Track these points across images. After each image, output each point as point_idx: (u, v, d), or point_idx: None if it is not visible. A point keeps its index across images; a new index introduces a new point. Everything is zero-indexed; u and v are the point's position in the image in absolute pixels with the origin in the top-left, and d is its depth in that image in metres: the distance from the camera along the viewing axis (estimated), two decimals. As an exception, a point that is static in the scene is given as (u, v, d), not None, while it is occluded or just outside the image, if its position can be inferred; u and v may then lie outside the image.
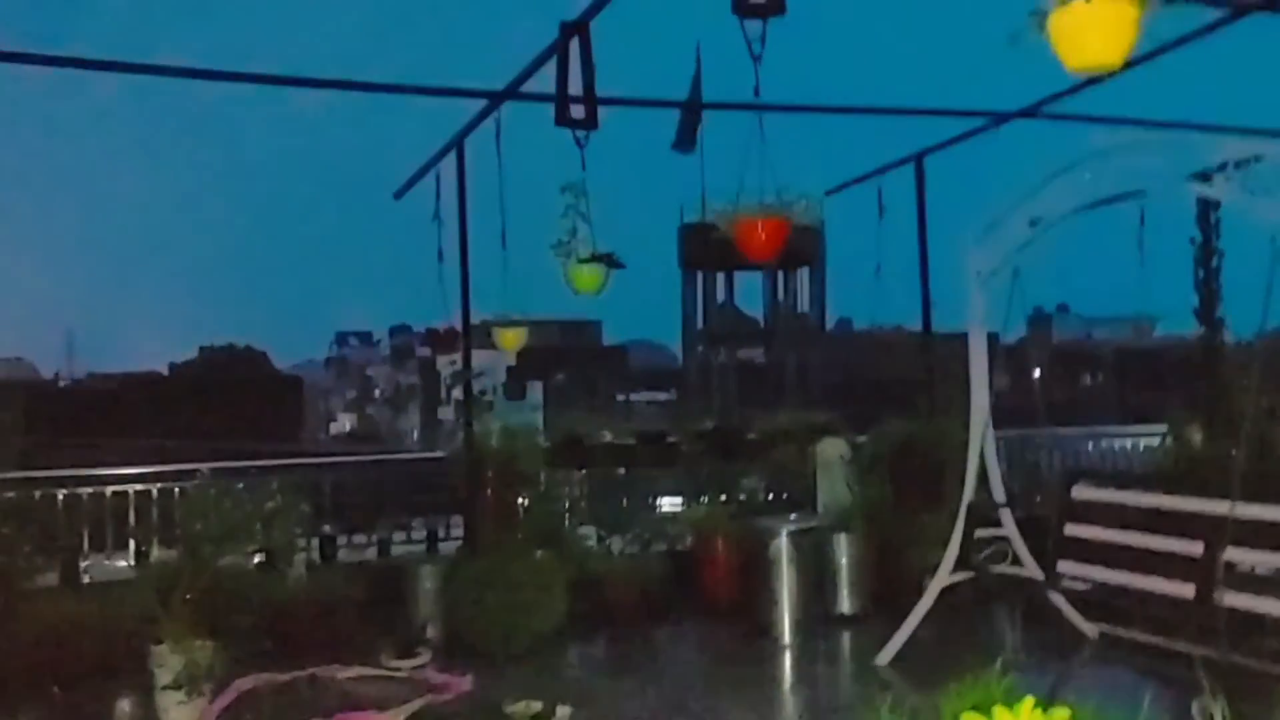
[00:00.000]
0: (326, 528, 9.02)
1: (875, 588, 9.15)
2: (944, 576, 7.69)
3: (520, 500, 9.08)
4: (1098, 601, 7.59)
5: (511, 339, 9.69)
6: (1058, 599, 7.82)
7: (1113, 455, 11.98)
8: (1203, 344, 10.04)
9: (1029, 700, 2.12)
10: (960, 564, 7.73)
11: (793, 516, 9.66)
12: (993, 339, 8.28)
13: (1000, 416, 8.05)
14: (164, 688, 6.53)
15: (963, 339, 8.05)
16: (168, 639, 6.71)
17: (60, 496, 8.29)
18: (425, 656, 7.23)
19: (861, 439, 10.33)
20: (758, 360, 38.95)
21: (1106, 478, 8.86)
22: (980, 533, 7.77)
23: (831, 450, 10.17)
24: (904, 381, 12.39)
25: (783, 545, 8.71)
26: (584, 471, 10.67)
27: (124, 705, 6.44)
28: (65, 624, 7.11)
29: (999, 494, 7.86)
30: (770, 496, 10.75)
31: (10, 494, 7.60)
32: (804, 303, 37.01)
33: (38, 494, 8.08)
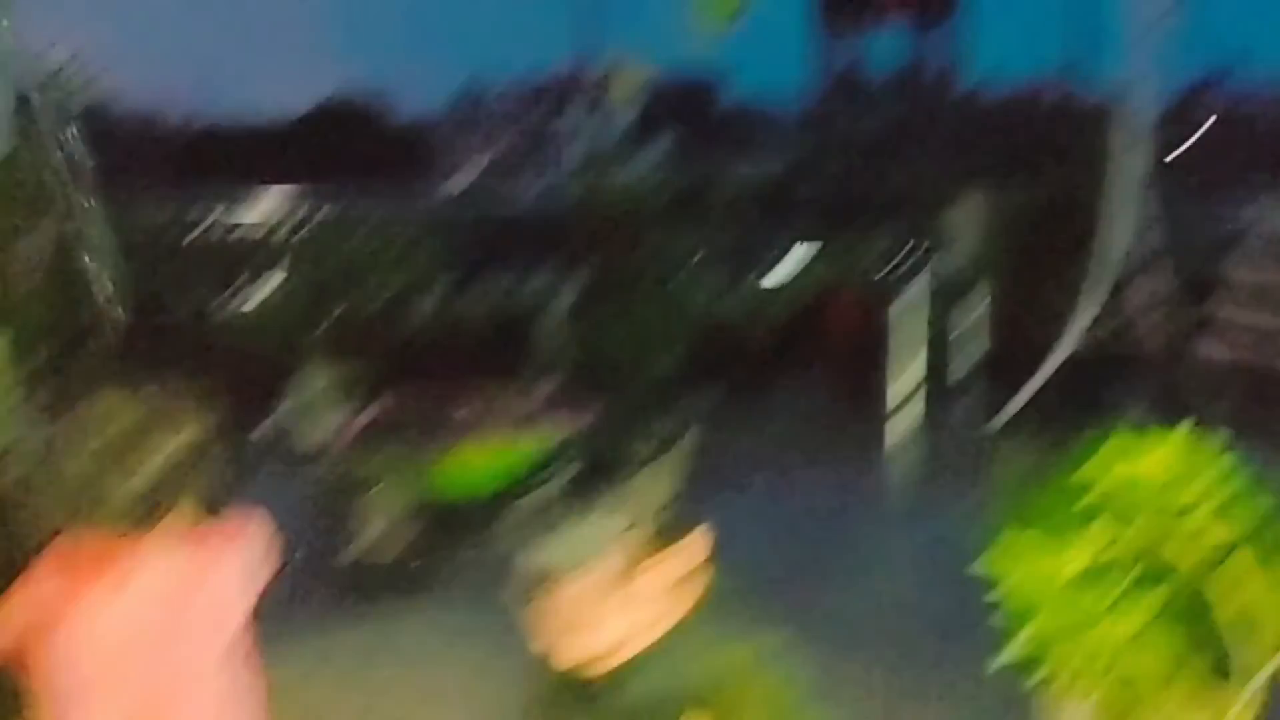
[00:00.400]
0: (452, 268, 9.15)
1: (998, 351, 8.99)
2: (1069, 344, 7.50)
3: (642, 246, 9.05)
4: (1234, 379, 7.35)
5: (628, 88, 9.45)
6: (1191, 371, 7.59)
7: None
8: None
9: (1168, 438, 2.02)
10: (1088, 334, 7.51)
11: (917, 276, 9.49)
12: (1153, 96, 7.74)
13: (1153, 179, 7.60)
14: (308, 405, 6.91)
15: (1117, 95, 7.53)
16: (310, 362, 7.05)
17: (202, 232, 8.54)
18: (548, 390, 7.41)
19: (998, 199, 9.93)
20: (888, 120, 37.50)
21: (1265, 252, 8.35)
22: (1112, 302, 7.51)
23: (963, 210, 9.83)
24: (1048, 142, 11.78)
25: (905, 304, 8.58)
26: (708, 222, 10.55)
27: (273, 420, 6.81)
28: (216, 348, 7.48)
29: (1137, 260, 7.52)
30: (896, 257, 10.52)
31: (156, 224, 7.85)
32: (940, 60, 35.20)
33: (181, 229, 8.34)
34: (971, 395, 8.78)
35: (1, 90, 4.79)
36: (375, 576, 5.06)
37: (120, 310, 5.06)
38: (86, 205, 5.08)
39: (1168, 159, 9.43)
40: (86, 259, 5.15)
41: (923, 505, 6.65)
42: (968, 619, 4.41)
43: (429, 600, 4.88)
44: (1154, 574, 2.32)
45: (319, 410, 6.63)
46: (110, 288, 5.15)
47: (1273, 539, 2.09)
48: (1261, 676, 2.42)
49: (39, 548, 1.79)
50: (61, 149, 5.12)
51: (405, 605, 4.81)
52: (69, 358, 4.98)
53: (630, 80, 9.43)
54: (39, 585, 1.71)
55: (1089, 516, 2.10)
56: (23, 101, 5.03)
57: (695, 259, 9.72)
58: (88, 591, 1.67)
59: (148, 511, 1.67)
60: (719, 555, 5.11)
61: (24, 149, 5.15)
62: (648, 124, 11.09)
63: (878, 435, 8.06)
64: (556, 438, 5.82)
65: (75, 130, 5.02)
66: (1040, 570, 1.98)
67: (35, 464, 3.99)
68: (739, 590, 4.84)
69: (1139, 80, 7.25)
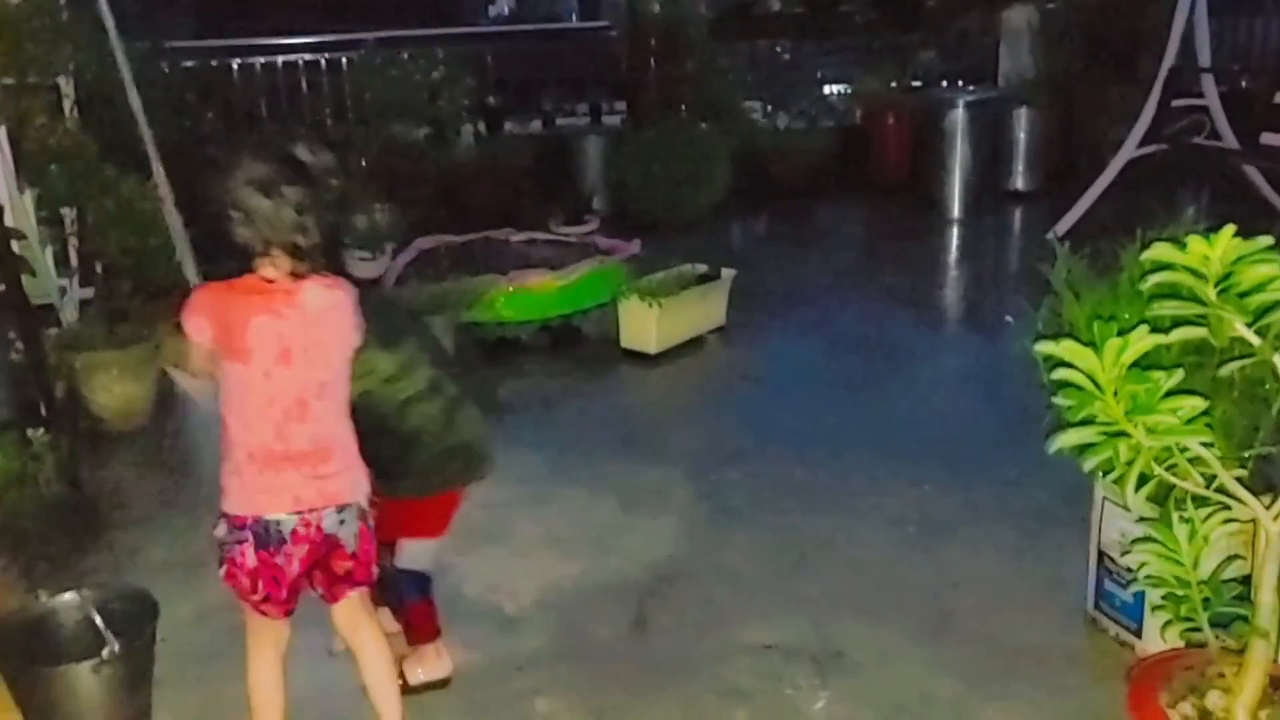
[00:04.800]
0: (491, 100, 9.00)
1: (1056, 164, 8.80)
2: (1132, 147, 7.29)
3: (684, 72, 8.82)
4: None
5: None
6: (1254, 173, 7.36)
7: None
8: None
9: (1229, 228, 1.95)
10: (1151, 135, 7.28)
11: (971, 88, 9.22)
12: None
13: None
14: (347, 246, 6.91)
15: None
16: (348, 202, 7.00)
17: (235, 66, 8.39)
18: (593, 224, 7.37)
19: (1052, 4, 9.52)
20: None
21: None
22: (1177, 102, 7.26)
23: (1019, 17, 9.44)
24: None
25: (958, 117, 8.35)
26: (750, 44, 10.23)
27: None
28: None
29: (1204, 57, 7.22)
30: (948, 70, 10.18)
31: (189, 63, 7.74)
32: None
33: (214, 63, 8.19)
34: (1027, 209, 8.63)
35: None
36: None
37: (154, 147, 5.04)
38: (122, 45, 5.03)
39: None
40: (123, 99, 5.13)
41: (975, 314, 6.62)
42: (1014, 420, 4.44)
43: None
44: (1211, 362, 2.30)
45: (368, 244, 6.63)
46: (148, 127, 5.14)
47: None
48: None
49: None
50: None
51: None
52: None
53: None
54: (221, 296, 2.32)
55: (1146, 307, 2.06)
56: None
57: (743, 78, 9.47)
58: (261, 304, 2.28)
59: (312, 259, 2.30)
60: (769, 370, 5.13)
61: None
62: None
63: (931, 248, 7.96)
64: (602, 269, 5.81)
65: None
66: (1096, 360, 1.95)
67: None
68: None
69: None
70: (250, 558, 2.39)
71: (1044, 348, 2.03)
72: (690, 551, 3.74)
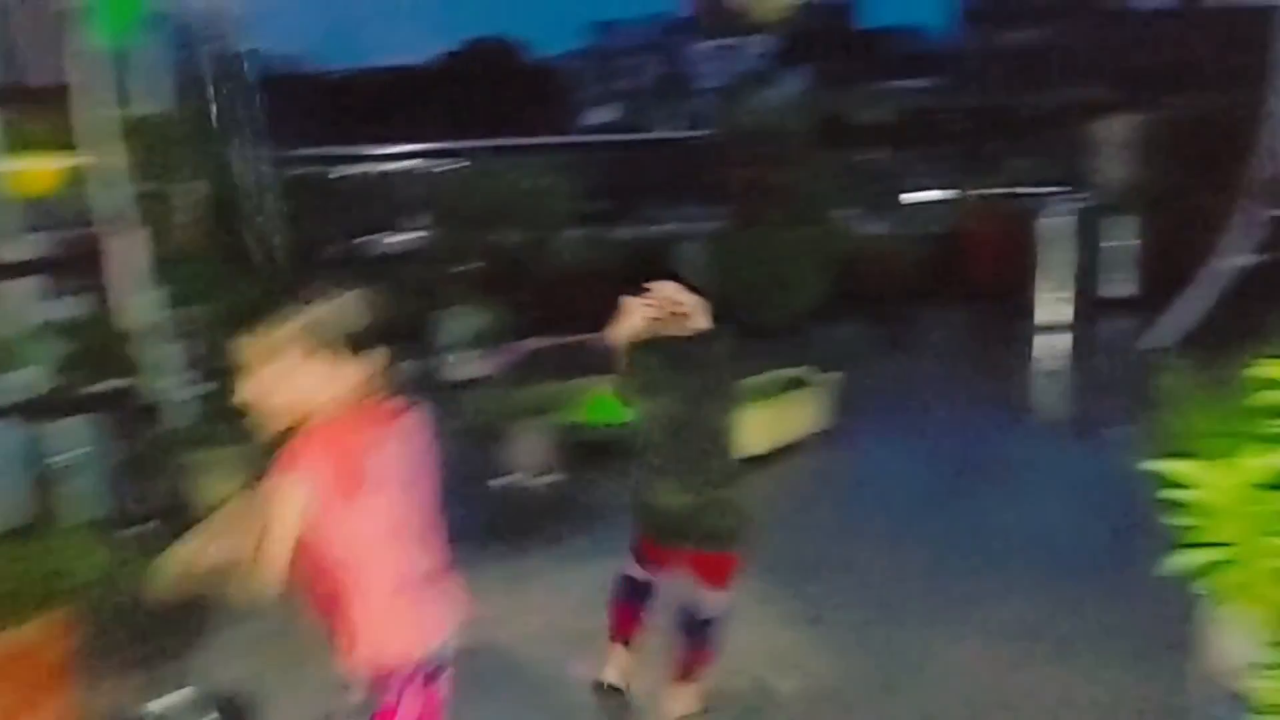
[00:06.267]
0: (592, 206, 9.20)
1: (1151, 272, 8.70)
2: (1229, 258, 7.19)
3: (781, 179, 8.96)
4: None
5: (771, 10, 9.28)
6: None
7: None
8: None
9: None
10: (1248, 246, 7.19)
11: (1065, 197, 9.21)
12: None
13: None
14: (448, 348, 7.09)
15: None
16: (450, 305, 7.20)
17: (344, 175, 8.77)
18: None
19: (1148, 117, 9.51)
20: (1034, 39, 36.00)
21: None
22: (1276, 212, 7.17)
23: (1113, 129, 9.45)
24: (1205, 55, 11.17)
25: (1052, 226, 8.34)
26: (845, 152, 10.37)
27: (412, 365, 6.95)
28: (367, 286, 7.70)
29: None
30: (1043, 179, 10.20)
31: (301, 171, 8.08)
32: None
33: (325, 172, 8.56)
34: (1124, 312, 8.52)
35: (163, 45, 5.01)
36: (525, 505, 5.17)
37: (276, 251, 5.27)
38: (246, 153, 5.31)
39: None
40: (246, 203, 5.38)
41: (1073, 423, 6.53)
42: (1117, 535, 4.32)
43: (574, 528, 4.96)
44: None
45: (467, 346, 6.79)
46: (268, 230, 5.39)
47: None
48: None
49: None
50: (220, 100, 5.34)
51: (552, 533, 4.90)
52: (230, 300, 5.23)
53: (773, 3, 9.26)
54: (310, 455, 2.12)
55: (1255, 424, 2.03)
56: (184, 55, 5.24)
57: (838, 185, 9.57)
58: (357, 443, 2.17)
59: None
60: (866, 477, 5.04)
61: (187, 101, 5.39)
62: (789, 48, 10.93)
63: (1026, 356, 7.89)
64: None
65: (234, 82, 5.23)
66: (1217, 481, 1.93)
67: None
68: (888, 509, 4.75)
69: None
70: (419, 706, 2.23)
71: (1162, 466, 2.01)
72: (777, 663, 3.69)
